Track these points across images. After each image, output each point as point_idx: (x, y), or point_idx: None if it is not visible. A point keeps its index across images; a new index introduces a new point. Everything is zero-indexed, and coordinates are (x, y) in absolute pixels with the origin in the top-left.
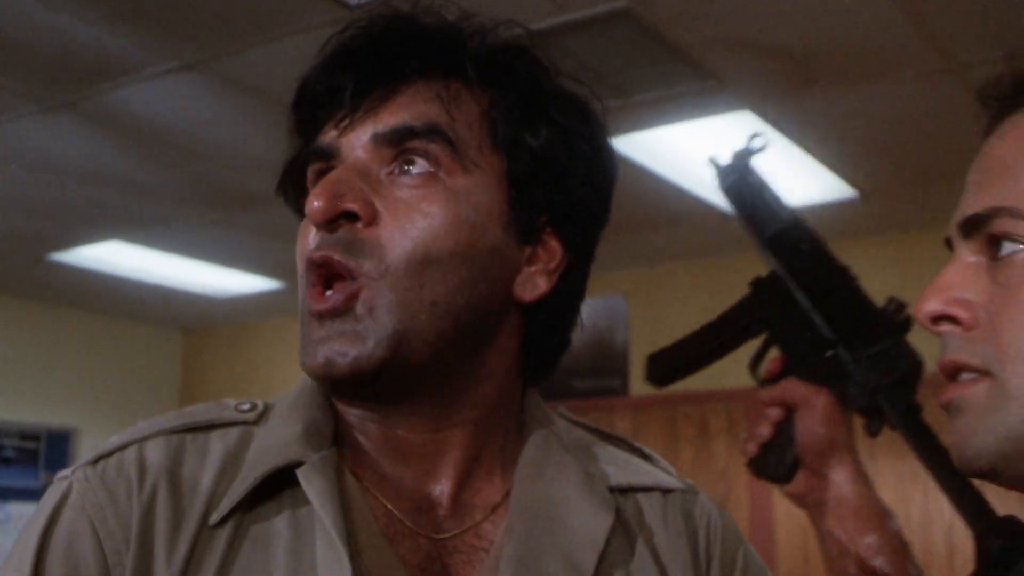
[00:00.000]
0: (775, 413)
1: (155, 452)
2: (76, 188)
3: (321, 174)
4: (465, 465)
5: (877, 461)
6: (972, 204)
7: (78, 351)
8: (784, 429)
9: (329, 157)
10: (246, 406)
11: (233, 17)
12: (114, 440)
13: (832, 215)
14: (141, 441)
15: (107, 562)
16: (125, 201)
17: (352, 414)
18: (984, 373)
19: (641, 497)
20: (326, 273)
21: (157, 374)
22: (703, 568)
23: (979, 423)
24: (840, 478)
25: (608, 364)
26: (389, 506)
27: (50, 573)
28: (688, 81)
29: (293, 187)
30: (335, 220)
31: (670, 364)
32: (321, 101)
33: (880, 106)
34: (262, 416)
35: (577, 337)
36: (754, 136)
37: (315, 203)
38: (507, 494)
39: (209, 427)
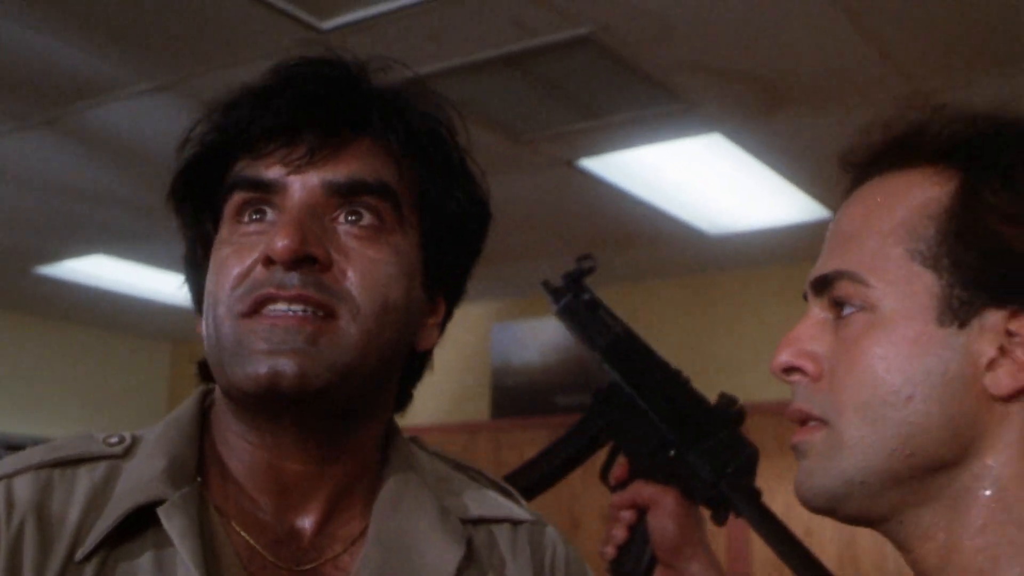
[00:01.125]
0: (628, 515)
1: (23, 488)
2: (59, 203)
3: (250, 203)
4: (335, 499)
5: None
6: (821, 266)
7: (66, 363)
8: (638, 530)
9: (271, 191)
10: (114, 439)
11: (205, 40)
12: None
13: (810, 235)
14: (10, 477)
15: None
16: (106, 215)
17: (244, 440)
18: (823, 422)
19: (494, 528)
20: (300, 304)
21: (145, 385)
22: None
23: (817, 466)
24: (695, 570)
25: (591, 381)
26: (251, 540)
27: None
28: (656, 104)
29: (200, 197)
30: (299, 261)
31: (527, 482)
32: (270, 133)
33: (848, 129)
34: (129, 449)
35: (560, 354)
36: (584, 258)
37: (284, 243)
38: (366, 527)
39: (78, 461)
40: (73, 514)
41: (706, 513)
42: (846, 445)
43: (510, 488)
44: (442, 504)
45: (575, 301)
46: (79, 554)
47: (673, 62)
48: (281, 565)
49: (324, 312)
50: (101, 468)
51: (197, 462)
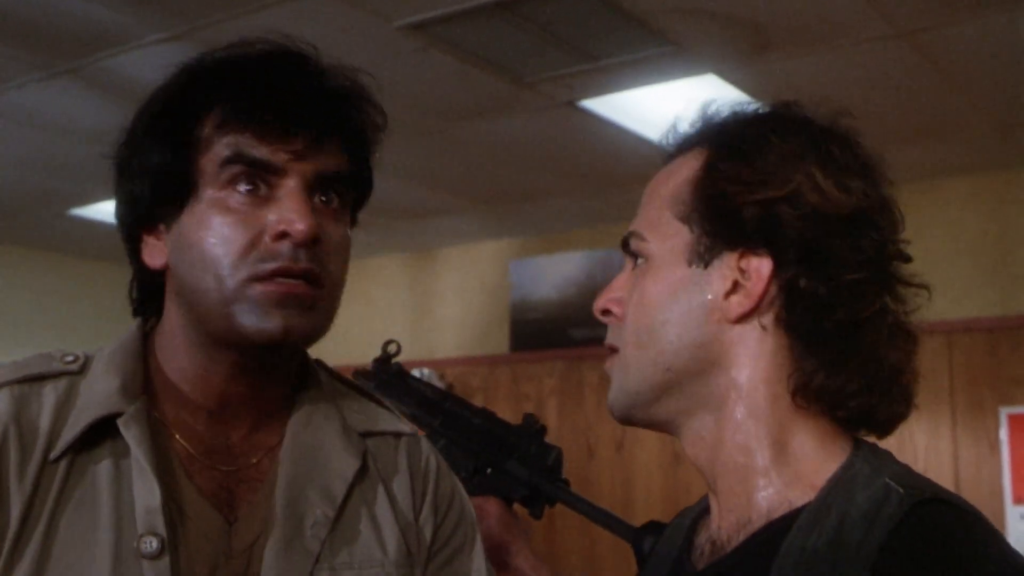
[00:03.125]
0: None
1: (2, 401)
2: (88, 148)
3: (246, 176)
4: (260, 415)
5: None
6: (627, 228)
7: (100, 299)
8: None
9: (269, 171)
10: (69, 358)
11: None
12: None
13: None
14: None
15: None
16: None
17: (200, 368)
18: (615, 350)
19: (380, 440)
20: (305, 276)
21: None
22: (419, 498)
23: (614, 385)
24: (520, 563)
25: None
26: (187, 447)
27: None
28: (651, 47)
29: (186, 160)
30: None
31: None
32: (280, 122)
33: (837, 69)
34: (83, 367)
35: (574, 288)
36: (389, 343)
37: (302, 227)
38: (282, 438)
39: (43, 377)
40: (45, 423)
41: (524, 512)
42: (628, 365)
43: (392, 406)
44: (343, 419)
45: (385, 378)
46: (52, 455)
47: (666, 6)
48: (214, 466)
49: (317, 282)
50: (63, 383)
51: (143, 381)
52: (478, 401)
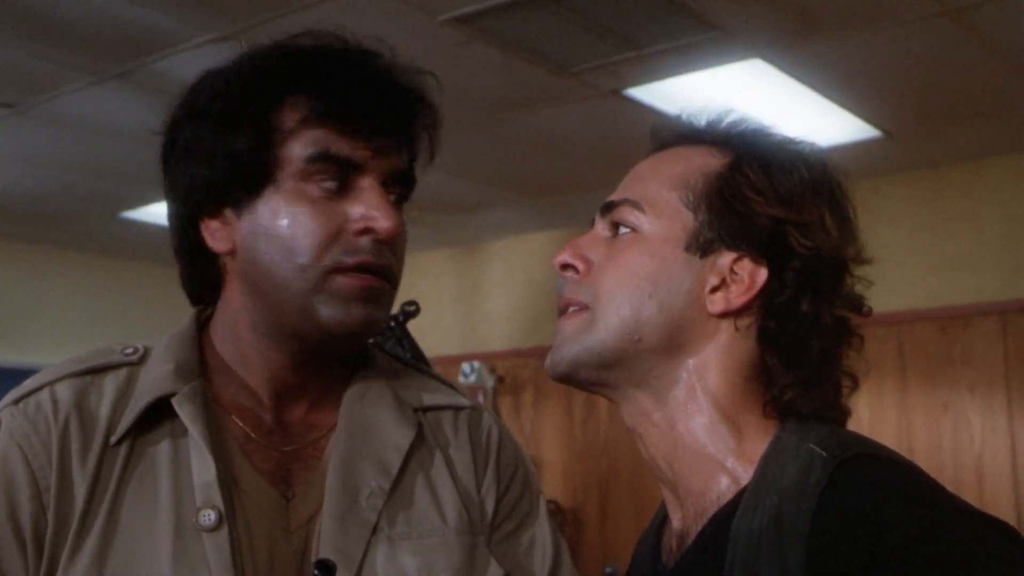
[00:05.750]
0: None
1: (64, 391)
2: (138, 151)
3: (327, 172)
4: (317, 397)
5: (909, 393)
6: (613, 195)
7: (151, 301)
8: None
9: (349, 168)
10: (129, 350)
11: None
12: (29, 383)
13: (854, 154)
14: (52, 384)
15: (35, 475)
16: None
17: (262, 355)
18: (585, 307)
19: (440, 414)
20: (384, 272)
21: None
22: (481, 469)
23: (571, 340)
24: None
25: None
26: (244, 427)
27: None
28: (695, 33)
29: (268, 147)
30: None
31: None
32: (365, 122)
33: (885, 49)
34: (143, 357)
35: None
36: (409, 303)
37: (389, 225)
38: (338, 417)
39: (104, 369)
40: (105, 409)
41: None
42: (597, 323)
43: (453, 383)
44: (398, 396)
45: (398, 337)
46: (113, 439)
47: None
48: (270, 447)
49: (391, 278)
50: (123, 373)
51: (198, 365)
52: (528, 394)
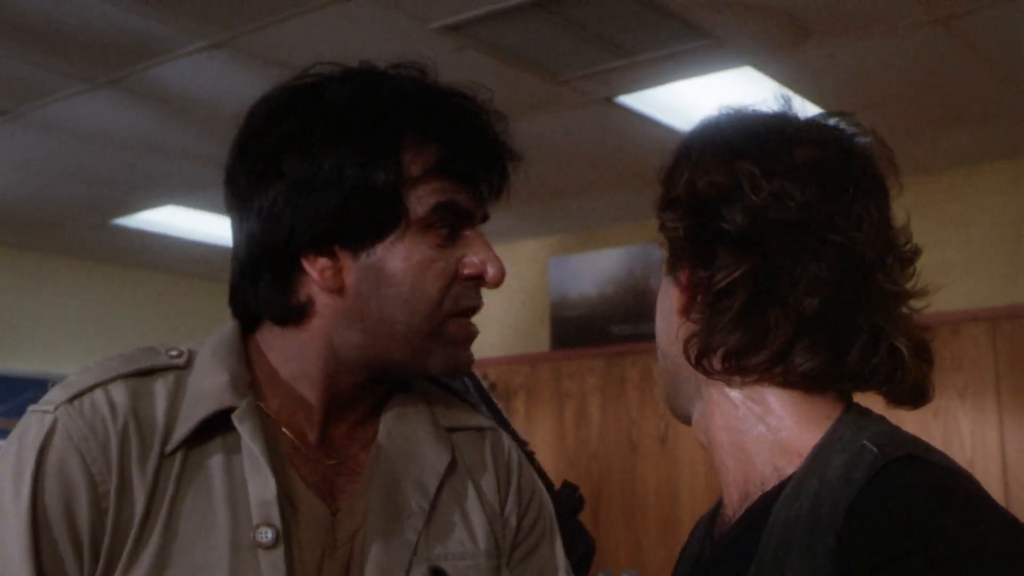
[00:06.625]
0: None
1: (120, 394)
2: (131, 158)
3: (449, 222)
4: (366, 411)
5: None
6: None
7: (143, 308)
8: None
9: (462, 217)
10: (174, 352)
11: None
12: (79, 380)
13: None
14: (105, 384)
15: (95, 481)
16: (175, 168)
17: (329, 377)
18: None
19: (465, 435)
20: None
21: (216, 325)
22: (503, 490)
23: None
24: None
25: (645, 310)
26: (294, 439)
27: (48, 488)
28: (685, 40)
29: (397, 190)
30: None
31: None
32: (480, 174)
33: (875, 57)
34: (189, 362)
35: (614, 285)
36: None
37: (497, 274)
38: (377, 433)
39: (152, 372)
40: (159, 416)
41: None
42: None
43: (476, 403)
44: (433, 416)
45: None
46: (168, 448)
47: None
48: (316, 459)
49: None
50: (171, 377)
51: (249, 379)
52: (520, 400)
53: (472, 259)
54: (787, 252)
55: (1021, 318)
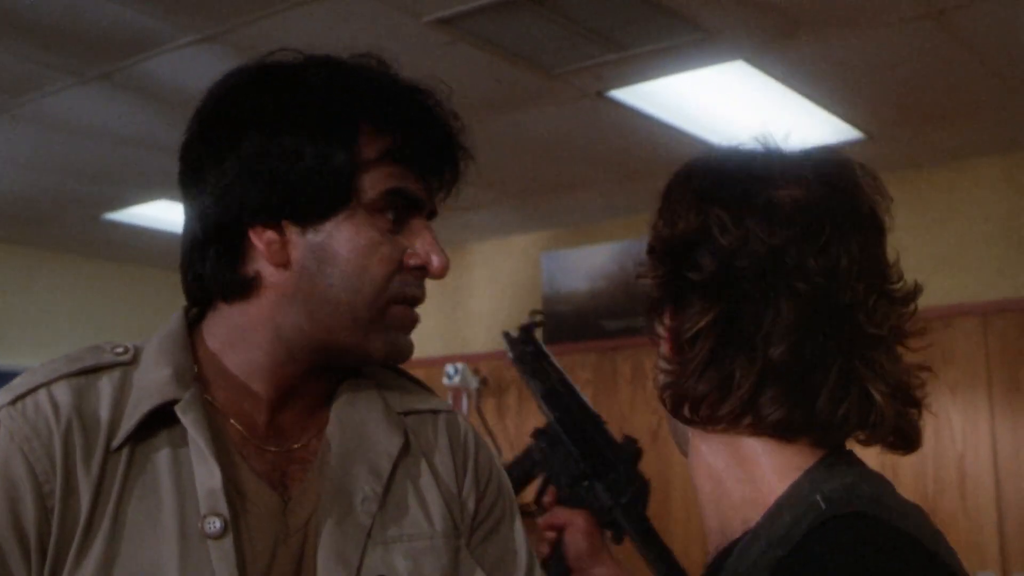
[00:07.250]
0: (550, 535)
1: (62, 393)
2: (121, 152)
3: (398, 208)
4: (315, 399)
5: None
6: None
7: (133, 302)
8: (558, 546)
9: (415, 207)
10: (120, 349)
11: None
12: (22, 383)
13: None
14: (48, 384)
15: (39, 480)
16: (166, 163)
17: (279, 365)
18: None
19: (419, 418)
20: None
21: None
22: (461, 472)
23: None
24: (601, 573)
25: (637, 305)
26: (241, 430)
27: None
28: (677, 35)
29: (352, 171)
30: None
31: None
32: (434, 163)
33: (867, 51)
34: (135, 358)
35: (606, 280)
36: (534, 313)
37: (441, 265)
38: (328, 420)
39: (97, 369)
40: (104, 413)
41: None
42: None
43: (430, 387)
44: (385, 400)
45: (524, 351)
46: (114, 444)
47: None
48: (265, 448)
49: None
50: (117, 374)
51: (193, 370)
52: (512, 395)
53: (418, 249)
54: (755, 297)
55: (1012, 312)
